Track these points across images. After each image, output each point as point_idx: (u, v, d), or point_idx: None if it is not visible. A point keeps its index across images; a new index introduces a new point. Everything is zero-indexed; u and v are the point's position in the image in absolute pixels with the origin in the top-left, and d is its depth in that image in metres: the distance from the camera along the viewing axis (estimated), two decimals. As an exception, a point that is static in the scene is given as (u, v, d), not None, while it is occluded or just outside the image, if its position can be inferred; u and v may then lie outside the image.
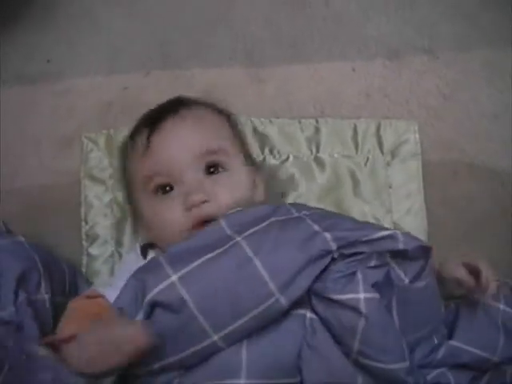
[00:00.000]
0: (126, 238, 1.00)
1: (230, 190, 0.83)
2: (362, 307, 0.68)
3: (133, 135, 0.89)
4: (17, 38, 1.09)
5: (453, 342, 0.79)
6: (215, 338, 0.68)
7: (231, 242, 0.71)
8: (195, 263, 0.69)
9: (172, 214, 0.82)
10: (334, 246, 0.69)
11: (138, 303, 0.69)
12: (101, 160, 1.01)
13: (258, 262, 0.69)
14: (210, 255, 0.70)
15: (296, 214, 0.75)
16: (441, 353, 0.78)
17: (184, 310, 0.67)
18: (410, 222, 1.00)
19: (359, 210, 1.00)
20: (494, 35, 1.08)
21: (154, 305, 0.69)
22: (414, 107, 1.05)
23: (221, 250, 0.70)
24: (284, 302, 0.68)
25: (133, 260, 0.86)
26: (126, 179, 0.92)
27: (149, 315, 0.69)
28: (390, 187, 1.00)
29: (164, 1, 1.10)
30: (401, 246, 0.71)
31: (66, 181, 1.02)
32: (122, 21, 1.10)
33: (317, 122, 1.03)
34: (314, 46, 1.08)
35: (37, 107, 1.06)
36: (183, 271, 0.69)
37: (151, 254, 0.86)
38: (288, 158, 1.02)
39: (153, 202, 0.84)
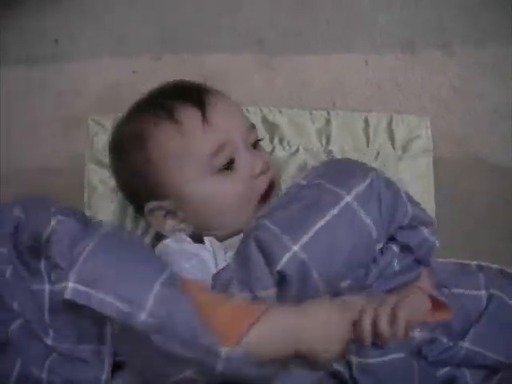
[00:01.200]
0: (129, 223, 0.98)
1: (268, 161, 0.87)
2: None
3: (163, 119, 0.84)
4: (25, 20, 1.07)
5: (468, 345, 0.79)
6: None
7: (342, 202, 0.73)
8: (311, 231, 0.71)
9: (237, 188, 0.82)
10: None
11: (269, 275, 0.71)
12: (106, 143, 0.99)
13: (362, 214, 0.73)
14: (322, 221, 0.72)
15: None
16: (455, 355, 0.78)
17: (308, 277, 0.70)
18: (419, 217, 0.99)
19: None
20: (507, 30, 1.06)
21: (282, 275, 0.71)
22: (426, 101, 1.05)
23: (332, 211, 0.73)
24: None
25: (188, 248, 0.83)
26: (159, 169, 0.84)
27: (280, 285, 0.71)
28: (401, 182, 0.99)
29: (175, -15, 1.08)
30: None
31: (71, 164, 1.02)
32: (131, 4, 1.08)
33: (328, 113, 1.01)
34: (327, 37, 1.07)
35: (43, 89, 1.05)
36: (302, 241, 0.71)
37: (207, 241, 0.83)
38: (298, 149, 1.00)
39: (214, 181, 0.82)
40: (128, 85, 1.04)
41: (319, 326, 0.69)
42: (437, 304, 0.76)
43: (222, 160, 0.82)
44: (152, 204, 0.85)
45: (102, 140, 1.00)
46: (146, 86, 0.99)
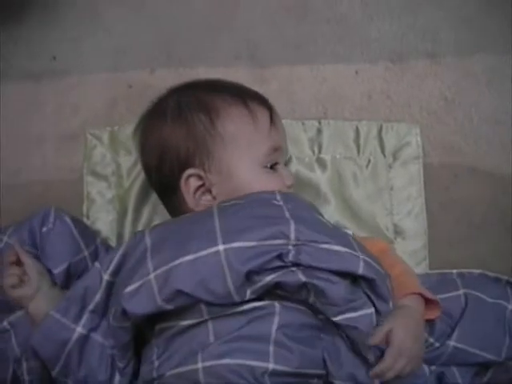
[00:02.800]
0: (127, 233, 1.01)
1: None
2: None
3: (245, 106, 0.89)
4: (22, 35, 1.09)
5: (458, 345, 0.81)
6: None
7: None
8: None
9: (274, 187, 0.84)
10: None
11: None
12: (104, 156, 1.02)
13: None
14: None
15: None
16: (445, 354, 0.80)
17: None
18: (410, 224, 1.00)
19: (360, 210, 1.00)
20: (496, 40, 1.08)
21: None
22: (416, 110, 1.06)
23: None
24: None
25: None
26: (218, 141, 0.86)
27: None
28: (391, 189, 1.01)
29: (170, 0, 1.11)
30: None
31: (70, 177, 1.04)
32: (127, 19, 1.10)
33: (319, 123, 1.03)
34: (318, 48, 1.09)
35: (42, 104, 1.07)
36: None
37: None
38: (291, 158, 1.02)
39: (261, 173, 0.86)
40: (124, 99, 1.06)
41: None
42: (427, 302, 0.79)
43: (271, 160, 0.88)
44: (193, 170, 0.86)
45: (100, 153, 1.03)
46: (141, 100, 1.02)
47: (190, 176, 0.86)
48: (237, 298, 0.72)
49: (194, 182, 0.86)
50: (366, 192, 1.01)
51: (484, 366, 0.83)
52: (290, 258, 0.71)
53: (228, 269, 0.70)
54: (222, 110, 0.87)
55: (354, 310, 0.72)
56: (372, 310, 0.72)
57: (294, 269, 0.72)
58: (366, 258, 0.73)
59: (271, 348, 0.71)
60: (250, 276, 0.71)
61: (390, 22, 1.09)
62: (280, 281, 0.71)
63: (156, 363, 0.74)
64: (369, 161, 1.02)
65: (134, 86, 1.07)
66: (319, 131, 1.03)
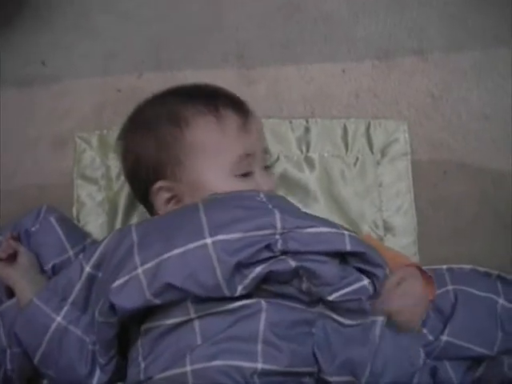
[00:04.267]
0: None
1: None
2: None
3: (210, 111, 0.88)
4: (12, 41, 1.11)
5: (450, 339, 0.81)
6: None
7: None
8: None
9: None
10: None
11: None
12: (93, 160, 1.03)
13: None
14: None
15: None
16: (438, 348, 0.80)
17: None
18: (399, 220, 1.00)
19: (349, 208, 1.00)
20: (483, 36, 1.09)
21: None
22: (404, 107, 1.06)
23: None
24: None
25: None
26: (187, 151, 0.87)
27: None
28: (380, 186, 1.01)
29: (157, 4, 1.12)
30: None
31: (61, 181, 1.04)
32: (115, 24, 1.11)
33: (307, 122, 1.04)
34: (305, 48, 1.09)
35: (33, 109, 1.08)
36: None
37: None
38: (279, 157, 1.02)
39: (231, 180, 0.86)
40: (113, 103, 1.07)
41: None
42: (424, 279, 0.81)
43: (243, 167, 0.86)
44: (163, 183, 0.87)
45: (89, 156, 1.03)
46: (130, 103, 1.03)
47: (159, 188, 0.87)
48: (227, 293, 0.72)
49: (163, 195, 0.87)
50: (355, 189, 1.01)
51: (476, 361, 0.83)
52: (279, 246, 0.72)
53: (217, 261, 0.70)
54: (191, 119, 0.87)
55: (349, 284, 0.73)
56: (367, 281, 0.73)
57: (283, 257, 0.72)
58: (352, 234, 0.75)
59: (259, 347, 0.71)
60: (239, 268, 0.71)
61: (376, 19, 1.10)
62: (271, 270, 0.72)
63: (142, 365, 0.74)
64: (357, 158, 1.02)
65: (122, 90, 1.08)
66: (307, 130, 1.03)
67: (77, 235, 0.95)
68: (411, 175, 1.02)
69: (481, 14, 1.09)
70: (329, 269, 0.72)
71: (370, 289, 0.73)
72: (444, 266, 0.92)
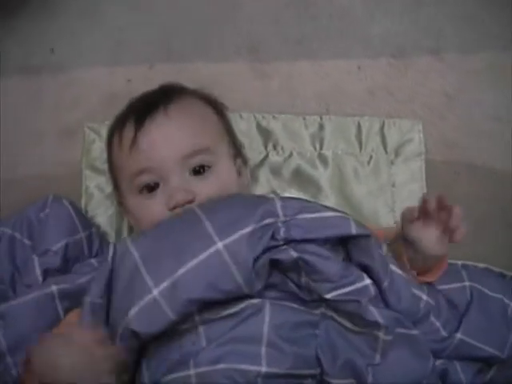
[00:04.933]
0: (126, 228, 1.00)
1: (216, 187, 0.83)
2: None
3: (118, 128, 0.88)
4: (20, 29, 1.08)
5: (464, 337, 0.80)
6: None
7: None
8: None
9: (155, 213, 0.82)
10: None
11: None
12: (103, 151, 1.00)
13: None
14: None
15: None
16: (451, 346, 0.79)
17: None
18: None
19: (362, 207, 1.00)
20: (498, 38, 1.08)
21: None
22: (418, 107, 1.06)
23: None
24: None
25: None
26: (112, 170, 0.91)
27: None
28: (393, 186, 1.01)
29: (170, -6, 1.10)
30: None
31: (68, 171, 1.02)
32: (126, 13, 1.09)
33: (321, 118, 1.03)
34: (320, 43, 1.08)
35: (40, 98, 1.06)
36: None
37: None
38: (292, 154, 1.01)
39: (137, 199, 0.84)
40: (123, 93, 1.03)
41: None
42: None
43: (141, 183, 0.83)
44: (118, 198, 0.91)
45: (99, 147, 1.01)
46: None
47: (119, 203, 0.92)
48: (247, 290, 0.70)
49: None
50: (368, 188, 1.00)
51: (487, 364, 0.83)
52: (282, 234, 0.70)
53: (234, 264, 0.68)
54: (110, 142, 0.90)
55: (350, 284, 0.70)
56: (368, 281, 0.71)
57: (285, 246, 0.71)
58: (355, 220, 0.73)
59: (263, 350, 0.69)
60: (254, 264, 0.70)
61: (392, 17, 1.09)
62: (274, 258, 0.70)
63: (145, 367, 0.72)
64: (370, 157, 1.01)
65: (132, 80, 1.06)
66: (321, 127, 1.02)
67: (85, 220, 0.95)
68: (425, 176, 1.01)
69: (497, 15, 1.09)
70: (331, 265, 0.70)
71: (372, 290, 0.71)
72: (459, 262, 0.92)
